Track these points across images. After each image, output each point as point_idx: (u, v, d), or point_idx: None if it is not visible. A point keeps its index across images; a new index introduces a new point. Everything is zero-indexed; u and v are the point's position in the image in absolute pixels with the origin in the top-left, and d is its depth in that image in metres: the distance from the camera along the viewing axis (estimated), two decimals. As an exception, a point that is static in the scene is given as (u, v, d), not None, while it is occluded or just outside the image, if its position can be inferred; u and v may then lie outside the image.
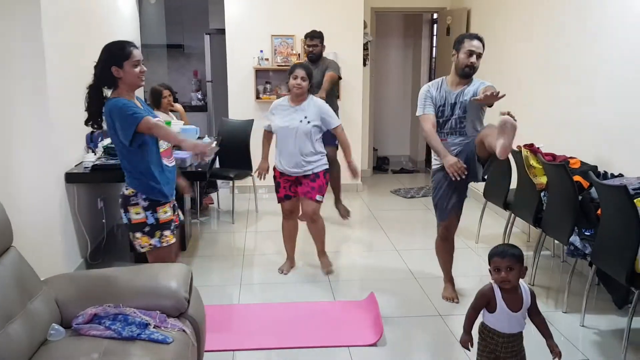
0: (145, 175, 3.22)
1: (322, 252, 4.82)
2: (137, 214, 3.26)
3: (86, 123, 3.28)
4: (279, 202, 4.68)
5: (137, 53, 3.18)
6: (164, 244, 3.32)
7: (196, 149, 3.20)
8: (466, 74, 3.90)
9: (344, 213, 6.08)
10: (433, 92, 4.01)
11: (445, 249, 4.26)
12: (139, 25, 7.21)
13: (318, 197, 4.49)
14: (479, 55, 3.86)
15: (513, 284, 2.64)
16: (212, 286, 4.46)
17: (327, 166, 4.57)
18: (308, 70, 4.46)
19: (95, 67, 3.18)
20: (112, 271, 3.20)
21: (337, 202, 6.22)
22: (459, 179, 3.79)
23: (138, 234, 3.31)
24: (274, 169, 4.61)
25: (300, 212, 4.73)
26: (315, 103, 4.48)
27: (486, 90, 3.52)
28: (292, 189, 4.57)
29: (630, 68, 4.14)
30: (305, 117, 4.42)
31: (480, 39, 3.88)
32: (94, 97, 3.20)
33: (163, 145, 3.32)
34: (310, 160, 4.46)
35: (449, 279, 4.31)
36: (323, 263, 4.82)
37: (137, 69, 3.17)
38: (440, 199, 4.09)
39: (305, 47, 5.95)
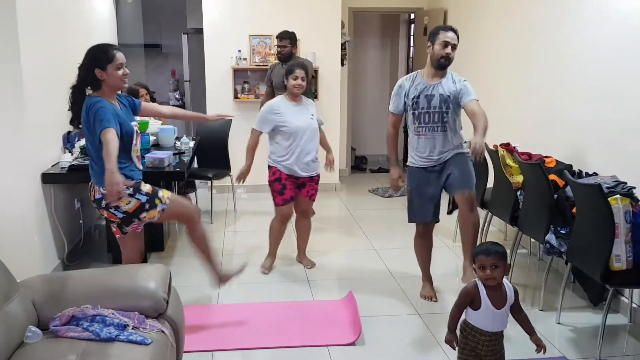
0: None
1: (304, 250, 4.92)
2: (128, 204, 3.34)
3: (71, 122, 3.38)
4: (282, 205, 4.58)
5: (120, 56, 3.28)
6: (167, 201, 3.47)
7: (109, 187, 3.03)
8: (442, 65, 3.91)
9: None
10: (406, 85, 4.02)
11: (424, 246, 4.29)
12: (116, 24, 7.16)
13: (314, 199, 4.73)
14: (454, 47, 3.89)
15: (498, 281, 2.67)
16: (190, 286, 4.44)
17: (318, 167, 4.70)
18: (306, 69, 4.54)
19: (79, 68, 3.27)
20: (89, 272, 3.18)
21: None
22: (394, 194, 3.93)
23: (143, 215, 3.43)
24: (278, 171, 4.53)
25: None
26: (309, 101, 4.63)
27: (475, 152, 3.51)
28: (294, 191, 4.60)
29: (605, 67, 4.20)
30: (312, 115, 4.53)
31: (454, 31, 3.91)
32: (77, 97, 3.29)
33: (137, 148, 3.46)
34: (317, 159, 4.60)
35: (427, 278, 4.33)
36: (306, 260, 4.89)
37: (120, 72, 3.27)
38: (418, 198, 4.11)
39: (275, 46, 5.95)
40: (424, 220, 4.17)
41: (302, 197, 4.64)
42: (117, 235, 3.56)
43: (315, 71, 7.12)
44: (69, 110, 3.32)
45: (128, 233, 3.53)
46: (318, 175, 4.68)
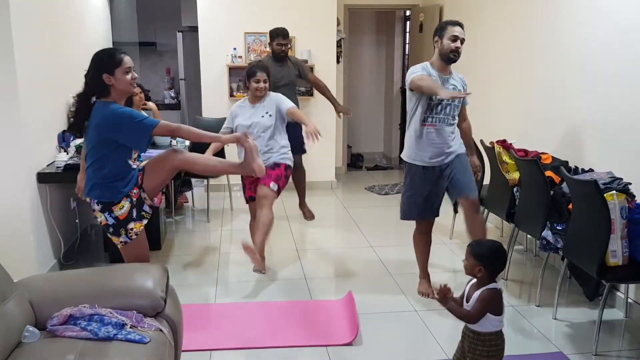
0: (112, 177, 3.17)
1: (260, 246, 4.30)
2: (99, 218, 3.26)
3: (70, 129, 3.31)
4: (246, 203, 4.72)
5: (128, 60, 3.16)
6: (133, 237, 3.25)
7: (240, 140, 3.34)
8: (452, 59, 3.91)
9: (309, 215, 6.04)
10: (430, 71, 3.95)
11: (423, 242, 4.29)
12: (110, 22, 7.14)
13: (272, 185, 4.35)
14: (462, 41, 3.91)
15: (467, 272, 2.71)
16: (188, 285, 4.44)
17: (289, 161, 4.55)
18: (267, 70, 4.53)
19: (86, 75, 3.15)
20: (87, 271, 3.19)
21: (302, 204, 6.23)
22: (455, 100, 3.91)
23: (109, 235, 3.30)
24: None
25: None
26: (274, 99, 4.56)
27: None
28: (254, 189, 4.51)
29: (600, 64, 4.21)
30: (267, 112, 4.49)
31: (461, 25, 3.93)
32: (82, 106, 3.19)
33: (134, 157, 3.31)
34: (272, 152, 4.47)
35: (425, 274, 4.34)
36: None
37: (129, 76, 3.15)
38: (420, 195, 4.09)
39: (276, 45, 5.77)
40: (426, 218, 4.17)
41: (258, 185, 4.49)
42: (121, 247, 3.33)
43: (311, 68, 7.10)
44: (71, 117, 3.21)
45: (132, 241, 3.28)
46: (275, 163, 4.44)
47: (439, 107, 3.93)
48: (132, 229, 3.24)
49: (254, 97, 4.51)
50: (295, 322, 3.88)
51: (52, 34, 4.78)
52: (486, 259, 2.65)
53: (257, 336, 3.67)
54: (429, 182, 4.04)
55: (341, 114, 6.07)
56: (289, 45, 5.80)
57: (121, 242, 3.26)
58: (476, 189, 4.06)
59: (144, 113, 3.27)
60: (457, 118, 4.03)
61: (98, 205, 3.22)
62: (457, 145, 4.05)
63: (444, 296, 2.64)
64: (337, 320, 3.89)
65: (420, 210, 4.13)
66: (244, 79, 4.59)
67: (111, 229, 3.24)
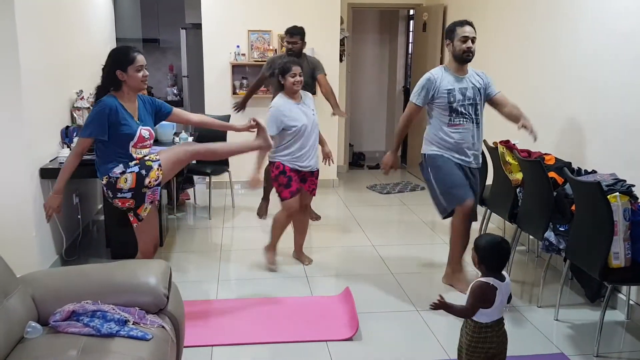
0: (114, 153, 3.45)
1: (302, 246, 4.93)
2: (126, 181, 3.44)
3: None
4: (289, 198, 4.53)
5: (141, 58, 3.43)
6: (159, 156, 3.53)
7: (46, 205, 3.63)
8: (465, 59, 3.98)
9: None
10: (434, 79, 4.02)
11: (466, 231, 4.20)
12: (114, 19, 7.13)
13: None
14: (473, 40, 3.95)
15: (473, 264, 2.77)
16: (189, 282, 4.44)
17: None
18: (301, 64, 4.58)
19: (103, 69, 3.45)
20: (89, 267, 3.18)
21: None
22: (385, 172, 4.18)
23: (147, 181, 3.46)
24: (281, 164, 4.50)
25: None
26: (308, 95, 4.65)
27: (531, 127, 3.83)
28: (300, 184, 4.60)
29: (605, 65, 4.20)
30: (313, 110, 4.57)
31: (470, 24, 3.97)
32: (100, 97, 3.44)
33: (143, 150, 3.55)
34: (316, 155, 4.65)
35: (460, 268, 4.28)
36: (304, 256, 4.90)
37: (140, 74, 3.42)
38: (454, 180, 4.09)
39: (285, 43, 5.82)
40: (467, 198, 4.09)
41: (304, 191, 4.64)
42: (135, 225, 3.58)
43: (314, 67, 7.12)
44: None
45: (144, 220, 3.55)
46: (318, 171, 4.71)
47: (462, 109, 4.02)
48: (149, 182, 3.47)
49: (291, 93, 4.49)
50: (296, 318, 3.89)
51: (56, 30, 4.77)
52: (483, 252, 2.68)
53: (257, 332, 3.68)
54: (456, 168, 4.10)
55: (336, 115, 6.07)
56: (298, 44, 5.77)
57: (157, 168, 3.48)
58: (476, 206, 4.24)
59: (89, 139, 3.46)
60: (482, 114, 4.09)
61: (109, 193, 3.47)
62: (478, 156, 4.17)
63: (442, 304, 2.65)
64: (336, 315, 3.91)
65: (462, 190, 4.08)
66: (276, 76, 4.60)
67: (143, 171, 3.45)
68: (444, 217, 4.30)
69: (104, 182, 3.47)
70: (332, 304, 4.09)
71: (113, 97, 3.41)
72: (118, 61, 3.40)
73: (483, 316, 2.65)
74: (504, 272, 2.71)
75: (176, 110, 3.88)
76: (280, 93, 4.56)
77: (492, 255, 2.68)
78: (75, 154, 3.47)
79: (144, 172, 3.45)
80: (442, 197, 4.17)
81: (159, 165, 3.50)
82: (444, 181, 4.13)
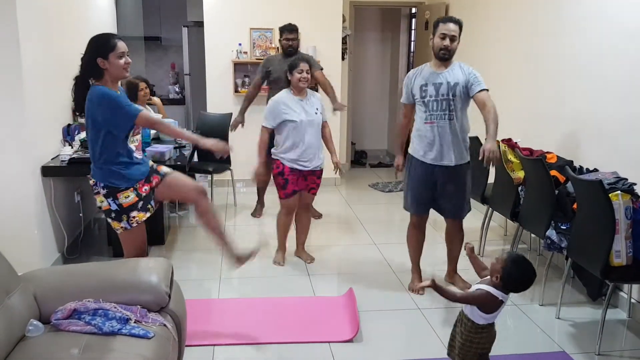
0: (111, 162, 3.31)
1: (303, 245, 4.95)
2: (101, 202, 3.37)
3: (74, 111, 3.55)
4: (286, 198, 4.61)
5: (122, 45, 3.29)
6: (134, 224, 3.39)
7: (216, 146, 3.40)
8: (442, 56, 3.95)
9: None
10: (412, 76, 4.10)
11: (417, 238, 4.34)
12: (115, 17, 7.13)
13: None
14: (452, 38, 3.90)
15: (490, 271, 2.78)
16: (191, 280, 4.45)
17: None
18: (309, 62, 4.61)
19: (82, 58, 3.28)
20: (91, 266, 3.19)
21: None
22: (396, 177, 4.12)
23: (109, 219, 3.43)
24: (281, 164, 4.54)
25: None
26: (315, 95, 4.65)
27: (488, 160, 3.61)
28: (298, 184, 4.60)
29: (606, 63, 4.20)
30: (317, 109, 4.56)
31: (456, 22, 3.93)
32: (80, 87, 3.31)
33: (134, 140, 3.48)
34: (321, 154, 4.63)
35: (416, 270, 4.39)
36: (305, 254, 4.91)
37: (122, 61, 3.27)
38: (415, 189, 4.15)
39: (283, 40, 5.81)
40: (419, 212, 4.24)
41: (304, 191, 4.64)
42: (119, 232, 3.46)
43: (321, 68, 7.10)
44: (72, 100, 3.37)
45: (133, 229, 3.41)
46: (321, 170, 4.70)
47: (434, 104, 3.98)
48: (134, 217, 3.38)
49: (298, 89, 4.52)
50: (297, 318, 3.89)
51: (57, 28, 4.77)
52: (509, 275, 2.67)
53: (259, 332, 3.67)
54: (425, 177, 4.09)
55: (336, 110, 6.07)
56: (296, 40, 5.80)
57: (122, 227, 3.40)
58: (466, 210, 4.22)
59: (141, 107, 3.36)
60: (460, 111, 4.01)
61: (104, 189, 3.33)
62: (460, 150, 4.05)
63: (434, 283, 2.65)
64: (338, 316, 3.90)
65: (416, 203, 4.20)
66: (285, 73, 4.61)
67: (113, 214, 3.37)
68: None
69: (105, 189, 3.33)
70: (333, 305, 4.09)
71: (100, 86, 3.24)
72: (98, 48, 3.24)
73: (482, 319, 2.69)
74: None
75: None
76: (287, 89, 4.59)
77: (521, 285, 2.75)
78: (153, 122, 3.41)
79: (140, 205, 3.37)
80: (404, 196, 4.32)
81: (125, 229, 3.39)
82: (409, 186, 4.23)
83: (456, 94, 3.95)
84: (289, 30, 5.77)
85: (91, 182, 3.40)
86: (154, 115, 3.30)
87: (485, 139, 3.70)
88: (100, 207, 3.42)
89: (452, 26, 3.89)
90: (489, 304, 2.66)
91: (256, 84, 6.01)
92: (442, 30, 3.89)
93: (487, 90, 3.90)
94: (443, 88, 3.94)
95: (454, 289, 3.27)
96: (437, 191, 4.11)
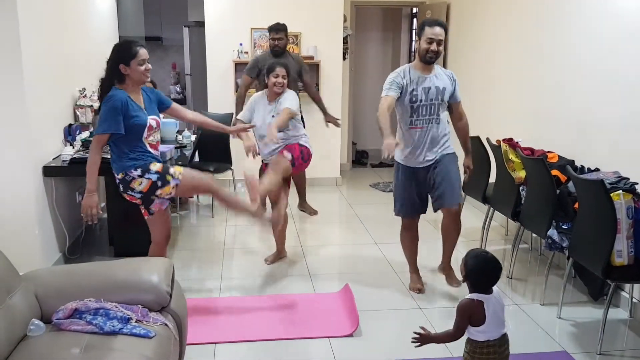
0: (122, 156, 3.50)
1: (262, 192, 4.24)
2: (140, 184, 3.52)
3: (97, 112, 3.69)
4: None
5: (143, 52, 3.50)
6: (180, 176, 3.58)
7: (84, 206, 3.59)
8: (429, 60, 3.94)
9: (311, 211, 6.12)
10: (400, 79, 3.97)
11: (410, 239, 4.36)
12: (116, 17, 7.13)
13: (285, 154, 4.45)
14: (439, 42, 3.91)
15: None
16: (192, 279, 4.45)
17: (302, 141, 4.62)
18: (287, 68, 4.57)
19: (107, 63, 3.52)
20: (92, 265, 3.19)
21: (303, 202, 6.27)
22: (386, 156, 3.72)
23: (158, 192, 3.56)
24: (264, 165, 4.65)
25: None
26: (287, 96, 4.56)
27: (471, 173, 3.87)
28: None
29: (608, 63, 4.19)
30: (276, 114, 4.47)
31: (441, 25, 3.93)
32: (105, 90, 3.51)
33: (152, 139, 3.61)
34: (276, 145, 4.51)
35: (414, 270, 4.40)
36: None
37: (143, 67, 3.49)
38: (404, 193, 4.19)
39: (270, 40, 5.87)
40: (410, 215, 4.27)
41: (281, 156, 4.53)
42: (146, 217, 3.70)
43: (317, 65, 7.11)
44: (98, 99, 3.63)
45: (155, 214, 3.66)
46: (294, 143, 4.58)
47: (424, 109, 3.97)
48: (160, 194, 3.56)
49: (272, 94, 4.54)
50: (297, 315, 3.91)
51: (58, 29, 4.77)
52: (471, 271, 2.57)
53: (259, 329, 3.69)
54: (413, 179, 4.12)
55: (329, 123, 6.11)
56: (283, 40, 5.84)
57: (172, 186, 3.56)
58: (459, 196, 4.11)
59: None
60: (443, 114, 4.03)
61: (121, 185, 3.54)
62: (443, 142, 4.05)
63: (424, 338, 2.58)
64: (337, 312, 3.93)
65: (406, 206, 4.23)
66: (263, 75, 4.63)
67: (159, 183, 3.53)
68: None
69: (119, 177, 3.53)
70: (333, 301, 4.10)
71: (121, 90, 3.47)
72: (121, 55, 3.46)
73: (480, 334, 2.53)
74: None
75: (175, 105, 3.94)
76: (264, 91, 4.65)
77: (482, 275, 2.56)
78: (95, 152, 3.47)
79: (159, 183, 3.52)
80: (394, 201, 4.31)
81: (176, 184, 3.56)
82: (397, 191, 4.26)
83: (444, 98, 3.98)
84: (276, 30, 5.82)
85: (119, 175, 3.54)
86: (92, 149, 3.51)
87: (466, 156, 4.01)
88: (141, 193, 3.54)
89: (438, 30, 3.89)
90: (474, 312, 2.51)
91: (247, 83, 6.02)
92: (429, 34, 3.88)
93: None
94: (432, 92, 3.94)
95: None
96: (426, 186, 4.12)
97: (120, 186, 3.57)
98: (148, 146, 3.57)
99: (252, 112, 4.62)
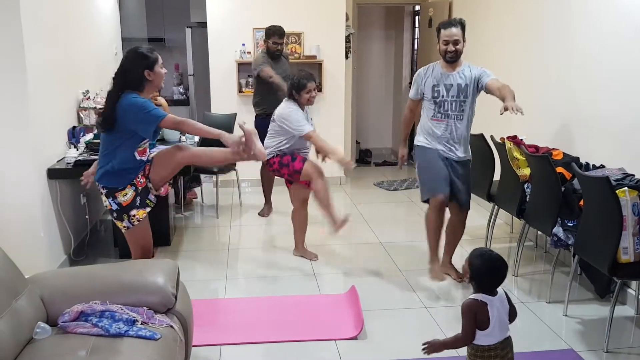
0: (116, 165, 3.39)
1: (304, 242, 4.98)
2: (104, 202, 3.48)
3: (99, 126, 3.47)
4: (304, 164, 4.63)
5: (159, 56, 3.49)
6: (136, 223, 3.48)
7: (237, 145, 3.40)
8: (449, 60, 4.09)
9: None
10: (422, 74, 4.22)
11: (437, 222, 4.22)
12: (119, 18, 7.14)
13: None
14: (455, 42, 4.03)
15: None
16: (197, 281, 4.45)
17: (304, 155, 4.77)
18: (314, 78, 4.71)
19: (124, 72, 3.37)
20: (98, 268, 3.20)
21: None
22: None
23: (113, 219, 3.54)
24: (279, 155, 4.66)
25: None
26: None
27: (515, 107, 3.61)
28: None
29: (612, 60, 4.17)
30: (311, 118, 4.74)
31: (456, 25, 4.05)
32: (113, 101, 3.34)
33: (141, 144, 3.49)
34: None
35: (436, 257, 4.27)
36: (307, 252, 4.96)
37: (164, 70, 3.48)
38: (430, 171, 4.21)
39: (272, 44, 5.79)
40: (440, 192, 4.14)
41: (298, 184, 4.72)
42: (123, 231, 3.54)
43: (320, 64, 7.11)
44: (103, 113, 3.41)
45: (134, 227, 3.49)
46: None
47: (445, 104, 4.12)
48: (134, 216, 3.47)
49: (304, 105, 4.67)
50: (302, 317, 3.89)
51: (61, 31, 4.78)
52: (476, 270, 2.52)
53: (265, 330, 3.68)
54: (438, 158, 4.18)
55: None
56: (284, 45, 5.87)
57: (124, 226, 3.50)
58: (469, 203, 4.30)
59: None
60: (469, 110, 4.14)
61: (104, 189, 3.45)
62: (465, 146, 4.22)
63: (434, 345, 2.57)
64: (342, 314, 3.91)
65: (435, 184, 4.18)
66: (289, 89, 4.63)
67: (115, 214, 3.49)
68: (423, 202, 4.40)
69: (104, 189, 3.44)
70: (338, 302, 4.09)
71: (132, 93, 3.34)
72: (145, 61, 3.37)
73: (483, 338, 2.48)
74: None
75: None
76: (291, 101, 4.63)
77: (488, 275, 2.52)
78: (178, 125, 3.38)
79: (138, 201, 3.45)
80: (421, 186, 4.34)
81: (127, 227, 3.48)
82: (424, 171, 4.28)
83: (467, 95, 4.09)
84: (280, 35, 5.80)
85: (96, 184, 3.49)
86: (178, 117, 3.37)
87: (506, 100, 3.75)
88: (106, 206, 3.52)
89: (454, 30, 4.03)
90: (478, 314, 2.46)
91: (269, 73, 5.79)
92: (444, 37, 4.05)
93: (497, 78, 4.05)
94: (454, 90, 4.08)
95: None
96: (451, 174, 4.19)
97: (104, 190, 3.45)
98: (137, 155, 3.43)
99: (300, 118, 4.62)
